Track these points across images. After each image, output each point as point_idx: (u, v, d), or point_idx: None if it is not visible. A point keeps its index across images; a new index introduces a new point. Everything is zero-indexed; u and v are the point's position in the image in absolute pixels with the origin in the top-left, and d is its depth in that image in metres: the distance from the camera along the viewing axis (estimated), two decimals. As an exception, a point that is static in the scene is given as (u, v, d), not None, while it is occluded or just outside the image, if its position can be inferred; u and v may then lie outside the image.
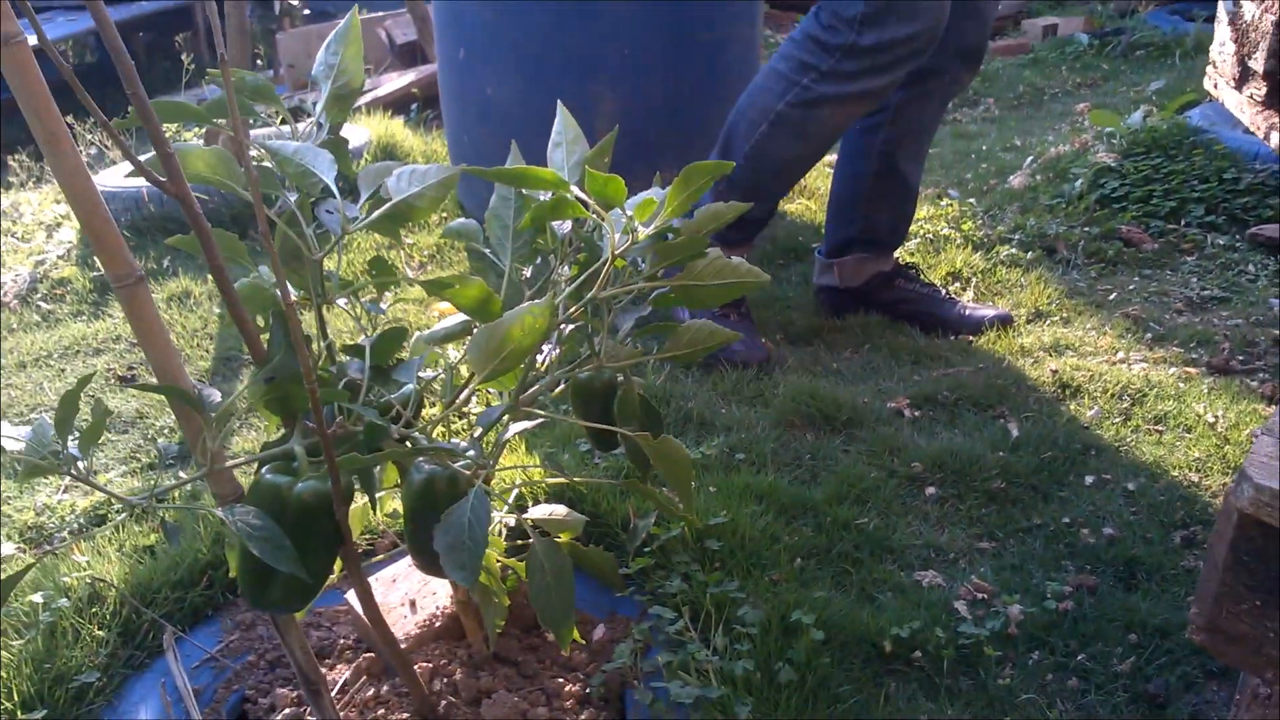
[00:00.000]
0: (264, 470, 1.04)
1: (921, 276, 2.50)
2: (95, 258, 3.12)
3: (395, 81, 4.87)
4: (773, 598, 1.42)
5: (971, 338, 2.29)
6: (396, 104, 4.68)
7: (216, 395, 1.04)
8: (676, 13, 2.84)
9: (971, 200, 3.13)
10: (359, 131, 3.74)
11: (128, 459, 2.08)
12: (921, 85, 2.24)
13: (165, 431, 2.17)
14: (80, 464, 0.92)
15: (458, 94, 3.16)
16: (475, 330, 1.05)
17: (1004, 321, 2.32)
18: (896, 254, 2.51)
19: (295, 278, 1.15)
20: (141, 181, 3.36)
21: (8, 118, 5.68)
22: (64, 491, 1.95)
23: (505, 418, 1.20)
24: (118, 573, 1.53)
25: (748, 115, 2.20)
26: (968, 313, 2.35)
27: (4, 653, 1.38)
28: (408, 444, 1.06)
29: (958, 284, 2.61)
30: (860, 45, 2.00)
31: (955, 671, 1.36)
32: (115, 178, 3.47)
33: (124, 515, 1.75)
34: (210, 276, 2.90)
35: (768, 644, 1.32)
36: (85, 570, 1.53)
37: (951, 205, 3.07)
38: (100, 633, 1.42)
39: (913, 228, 2.84)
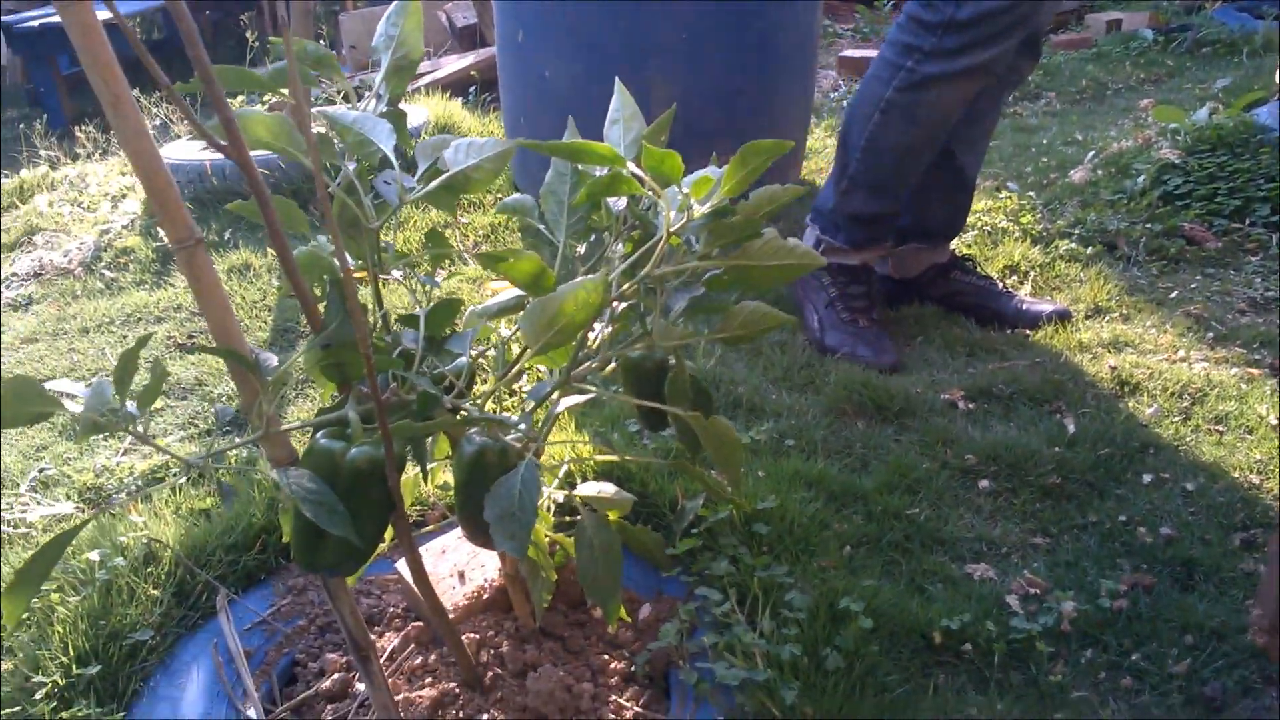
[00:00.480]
0: (318, 435, 1.05)
1: (978, 269, 2.47)
2: (159, 228, 3.18)
3: (455, 64, 4.89)
4: (821, 584, 1.41)
5: (1028, 332, 2.26)
6: (455, 86, 4.70)
7: (273, 360, 1.05)
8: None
9: (1031, 194, 3.08)
10: (417, 111, 3.76)
11: (185, 425, 2.12)
12: (989, 76, 2.21)
13: (223, 398, 2.20)
14: (138, 423, 0.94)
15: (516, 76, 3.17)
16: (528, 304, 1.05)
17: (1062, 317, 2.28)
18: (953, 246, 2.48)
19: (353, 247, 1.16)
20: (204, 155, 3.41)
21: (74, 90, 5.80)
22: (123, 454, 1.99)
23: (555, 393, 1.21)
24: (173, 534, 1.55)
25: (861, 107, 2.19)
26: (1025, 307, 2.31)
27: (60, 608, 1.41)
28: (460, 415, 1.06)
29: (1015, 278, 2.56)
30: (959, 19, 1.98)
31: (1006, 666, 1.34)
32: (179, 150, 3.53)
33: (181, 478, 1.78)
34: (270, 249, 2.95)
35: (815, 629, 1.31)
36: (142, 531, 1.56)
37: (1010, 198, 3.02)
38: (155, 592, 1.45)
39: (970, 220, 2.80)
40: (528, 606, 1.38)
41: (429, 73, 4.84)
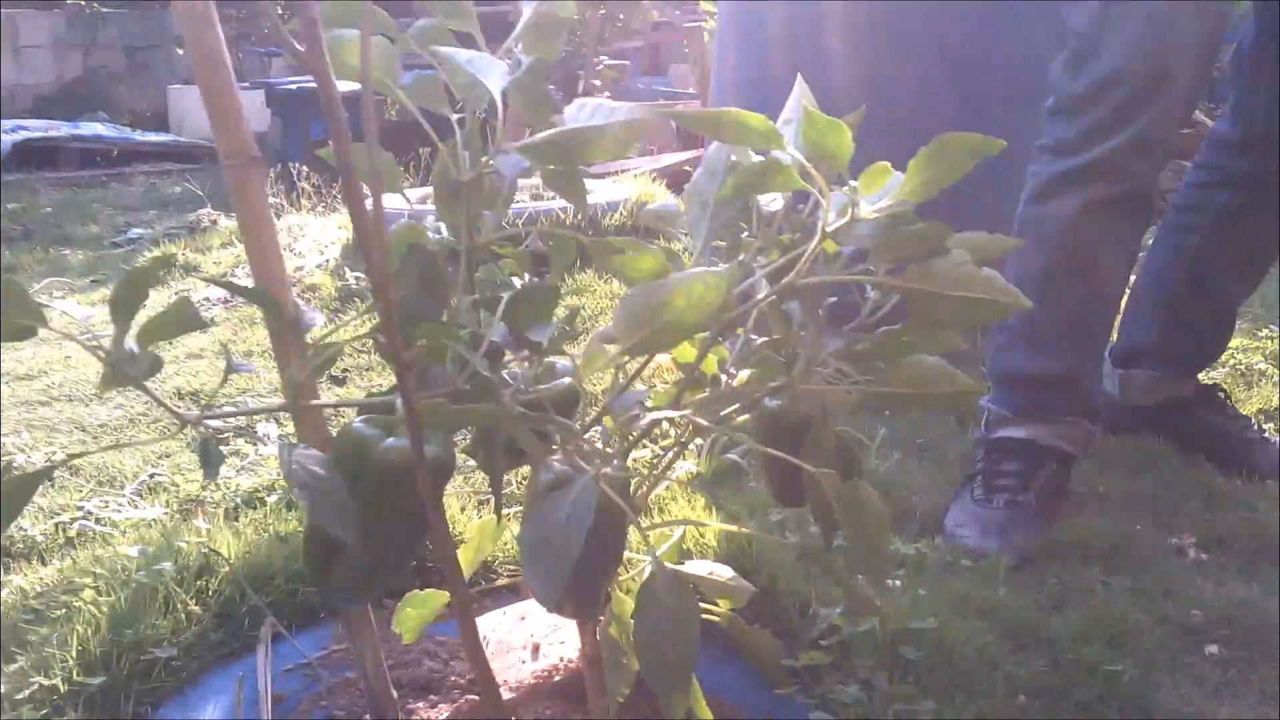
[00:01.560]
0: (356, 419, 0.86)
1: (1230, 406, 2.06)
2: (345, 266, 3.17)
3: (673, 156, 4.87)
4: (979, 734, 1.09)
5: (1286, 486, 1.84)
6: (670, 178, 4.66)
7: (319, 319, 0.87)
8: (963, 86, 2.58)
9: (1299, 339, 2.64)
10: (620, 188, 3.68)
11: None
12: (1260, 192, 1.86)
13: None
14: (136, 359, 0.76)
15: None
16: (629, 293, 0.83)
17: (1329, 472, 1.85)
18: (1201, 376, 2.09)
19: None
20: (416, 206, 3.42)
21: (295, 146, 5.99)
22: (238, 472, 1.87)
23: (665, 423, 0.97)
24: (236, 548, 1.38)
25: (1015, 229, 1.76)
26: (1284, 457, 1.90)
27: (89, 608, 1.25)
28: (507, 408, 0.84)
29: (1272, 424, 2.15)
30: (1074, 93, 1.61)
31: None
32: (391, 200, 3.56)
33: (277, 499, 1.63)
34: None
35: (962, 792, 0.99)
36: (204, 538, 1.40)
37: (1272, 339, 2.60)
38: (196, 608, 1.27)
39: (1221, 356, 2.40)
40: (603, 699, 1.13)
41: (647, 165, 4.83)
